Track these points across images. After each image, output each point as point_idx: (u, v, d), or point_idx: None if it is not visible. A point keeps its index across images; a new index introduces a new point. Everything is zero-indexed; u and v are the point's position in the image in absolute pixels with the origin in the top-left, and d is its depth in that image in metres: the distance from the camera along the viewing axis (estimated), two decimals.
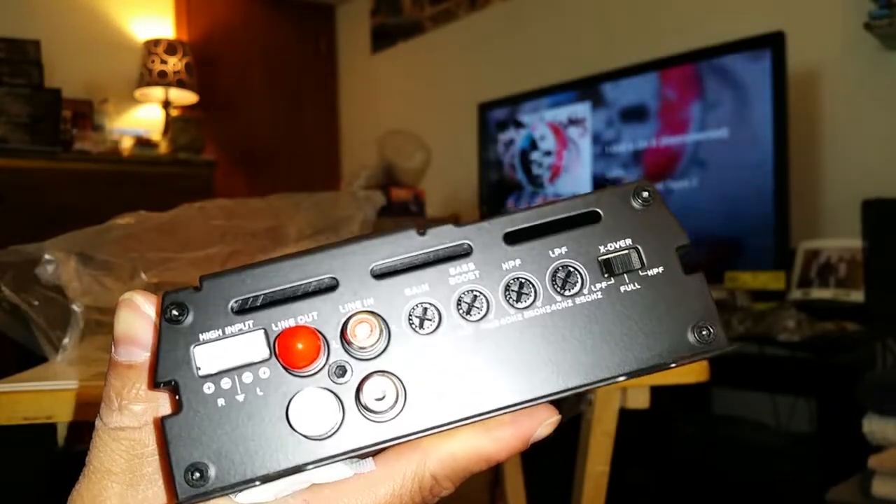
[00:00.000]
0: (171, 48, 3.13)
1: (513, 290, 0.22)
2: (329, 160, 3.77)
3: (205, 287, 0.22)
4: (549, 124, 2.30)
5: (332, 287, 0.22)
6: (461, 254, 0.23)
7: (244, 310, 0.22)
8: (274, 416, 0.21)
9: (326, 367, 0.22)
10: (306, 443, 0.21)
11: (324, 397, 0.21)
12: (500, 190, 2.44)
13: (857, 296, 1.62)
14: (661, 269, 0.23)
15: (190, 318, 0.22)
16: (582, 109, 2.20)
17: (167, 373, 0.21)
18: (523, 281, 0.22)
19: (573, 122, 2.22)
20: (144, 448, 0.23)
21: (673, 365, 0.23)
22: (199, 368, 0.21)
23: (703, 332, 0.22)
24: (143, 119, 3.30)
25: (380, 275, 0.22)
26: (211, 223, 0.73)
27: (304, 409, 0.21)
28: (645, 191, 0.23)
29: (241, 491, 0.22)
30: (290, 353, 0.21)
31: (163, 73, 3.09)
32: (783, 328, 1.51)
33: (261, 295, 0.22)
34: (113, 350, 0.24)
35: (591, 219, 0.23)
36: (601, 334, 0.22)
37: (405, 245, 0.23)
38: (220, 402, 0.21)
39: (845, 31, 1.86)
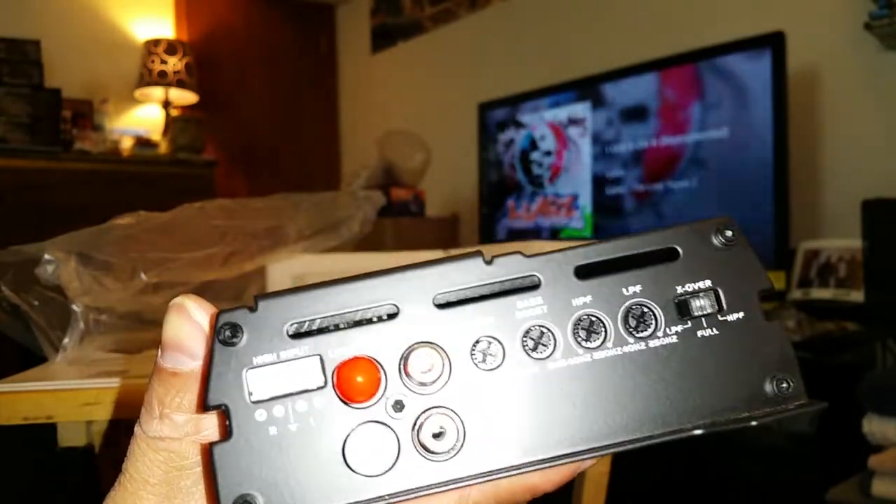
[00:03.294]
0: (171, 48, 3.13)
1: (582, 329, 0.21)
2: (329, 160, 3.77)
3: (260, 308, 0.21)
4: (549, 124, 2.30)
5: (392, 315, 0.21)
6: (529, 286, 0.21)
7: (300, 334, 0.21)
8: (327, 449, 0.20)
9: (384, 399, 0.21)
10: (359, 480, 0.20)
11: (380, 433, 0.20)
12: (500, 190, 2.44)
13: (857, 296, 1.62)
14: (741, 314, 0.22)
15: (244, 340, 0.21)
16: (582, 109, 2.20)
17: (218, 396, 0.20)
18: (594, 319, 0.21)
19: (573, 122, 2.22)
20: (184, 460, 0.22)
21: (753, 423, 0.21)
22: (252, 394, 0.20)
23: (783, 385, 0.22)
24: (143, 119, 3.30)
25: (443, 304, 0.21)
26: (211, 223, 0.73)
27: (360, 446, 0.20)
28: (728, 230, 0.22)
29: None
30: (350, 386, 0.20)
31: (163, 73, 3.09)
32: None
33: (317, 319, 0.21)
34: (159, 355, 0.23)
35: (668, 256, 0.22)
36: (674, 381, 0.21)
37: (471, 274, 0.21)
38: (272, 430, 0.20)
39: (845, 31, 1.86)
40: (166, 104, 3.20)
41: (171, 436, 0.22)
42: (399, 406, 0.21)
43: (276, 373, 0.20)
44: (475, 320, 0.21)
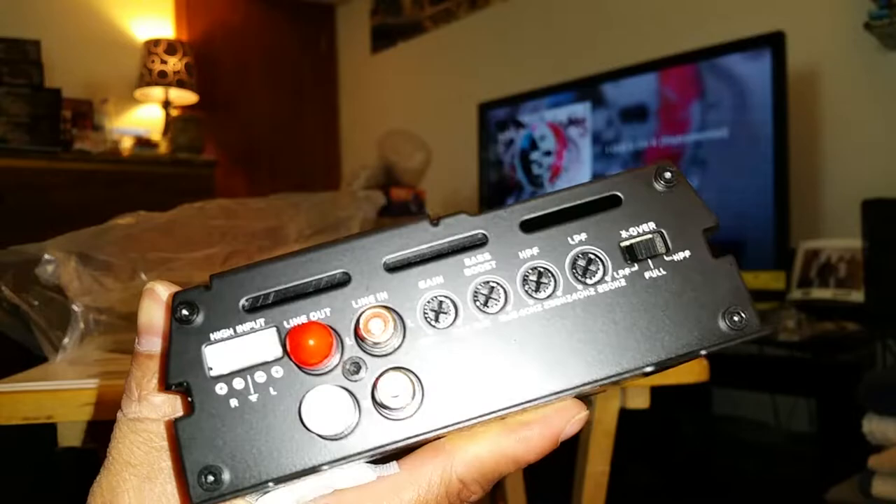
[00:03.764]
0: (171, 48, 3.13)
1: (531, 280, 0.21)
2: (329, 160, 3.77)
3: (215, 286, 0.21)
4: (549, 124, 2.30)
5: (344, 282, 0.21)
6: (476, 244, 0.22)
7: (255, 308, 0.21)
8: (288, 416, 0.21)
9: (340, 364, 0.21)
10: (322, 443, 0.21)
11: (338, 395, 0.21)
12: (500, 190, 2.44)
13: (857, 296, 1.62)
14: (687, 253, 0.22)
15: (200, 318, 0.21)
16: (582, 109, 2.20)
17: (178, 374, 0.21)
18: (542, 270, 0.22)
19: (573, 122, 2.22)
20: (162, 441, 0.23)
21: (703, 353, 0.21)
22: (211, 369, 0.21)
23: (735, 318, 0.21)
24: (143, 119, 3.30)
25: (393, 268, 0.22)
26: (211, 223, 0.73)
27: (319, 408, 0.21)
28: (667, 171, 0.23)
29: (256, 493, 0.21)
30: (302, 350, 0.20)
31: (163, 73, 3.09)
32: (783, 328, 1.51)
33: (272, 292, 0.21)
34: (136, 341, 0.23)
35: (611, 203, 0.22)
36: (626, 323, 0.21)
37: (418, 237, 0.22)
38: (233, 402, 0.21)
39: (845, 31, 1.86)
40: (166, 104, 3.20)
41: (150, 416, 0.23)
42: (356, 368, 0.21)
43: (233, 347, 0.21)
44: (425, 281, 0.21)
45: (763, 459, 1.70)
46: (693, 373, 0.71)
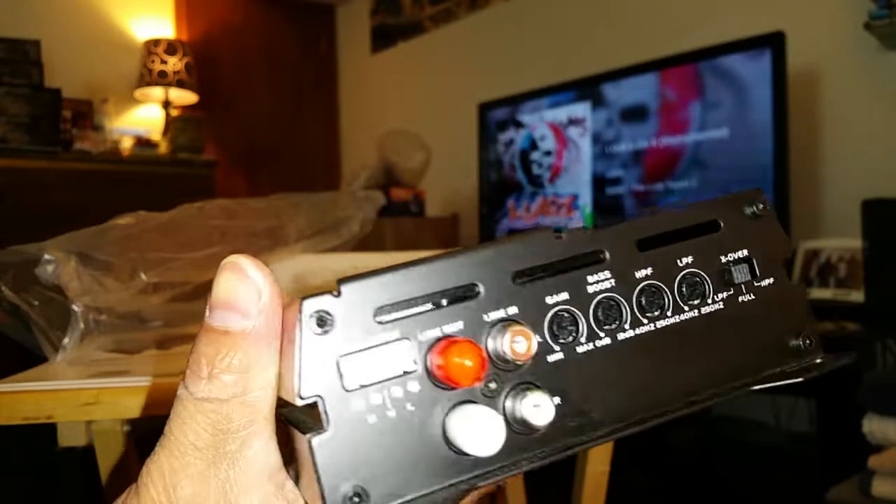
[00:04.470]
0: (171, 48, 3.13)
1: (646, 299, 0.22)
2: (329, 160, 3.77)
3: (344, 293, 0.20)
4: (549, 124, 2.30)
5: (474, 294, 0.21)
6: (597, 260, 0.22)
7: (388, 318, 0.20)
8: (430, 433, 0.20)
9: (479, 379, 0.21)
10: (464, 460, 0.20)
11: (488, 415, 0.20)
12: (500, 190, 2.44)
13: (857, 296, 1.62)
14: (771, 280, 0.24)
15: (333, 327, 0.20)
16: (582, 109, 2.20)
17: (313, 388, 0.20)
18: (655, 290, 0.22)
19: (573, 122, 2.22)
20: (230, 423, 0.21)
21: (799, 379, 0.23)
22: (346, 382, 0.20)
23: (807, 341, 0.24)
24: (143, 119, 3.30)
25: (521, 281, 0.21)
26: (211, 223, 0.73)
27: (462, 425, 0.20)
28: (759, 202, 0.25)
29: None
30: (454, 368, 0.20)
31: (163, 73, 3.09)
32: None
33: (402, 301, 0.20)
34: (207, 314, 0.22)
35: (711, 228, 0.24)
36: (723, 343, 0.23)
37: (544, 250, 0.22)
38: (371, 419, 0.20)
39: (845, 31, 1.86)
40: (166, 104, 3.20)
41: (220, 397, 0.21)
42: (495, 385, 0.21)
43: (367, 359, 0.20)
44: (552, 296, 0.21)
45: (763, 460, 1.70)
46: None
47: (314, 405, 0.20)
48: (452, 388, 0.20)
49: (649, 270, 0.22)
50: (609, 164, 2.13)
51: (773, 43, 1.73)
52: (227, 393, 0.21)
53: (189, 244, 0.70)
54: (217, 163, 3.21)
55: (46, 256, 0.61)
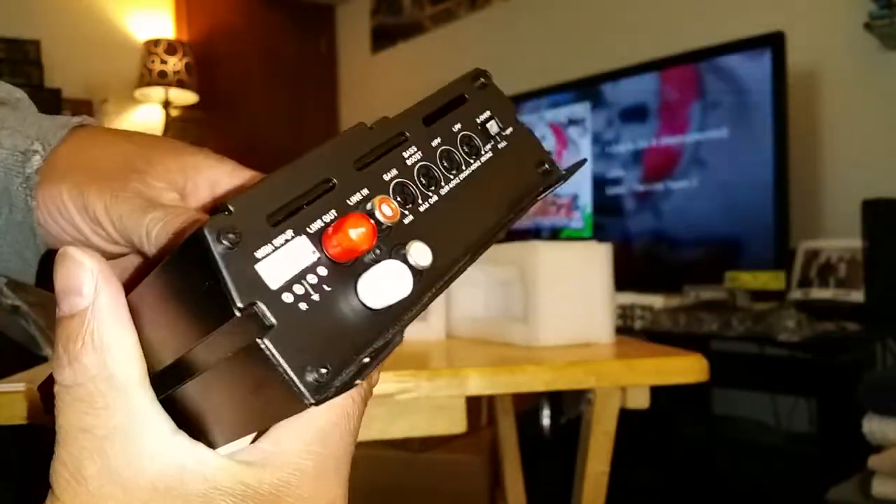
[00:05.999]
0: (171, 48, 3.13)
1: (446, 160, 0.28)
2: None
3: (235, 209, 0.22)
4: (549, 124, 2.30)
5: (332, 187, 0.24)
6: (405, 139, 0.27)
7: (277, 221, 0.23)
8: (351, 303, 0.23)
9: (372, 248, 0.24)
10: (389, 311, 0.23)
11: (383, 268, 0.23)
12: None
13: (857, 296, 1.62)
14: (511, 129, 0.31)
15: (239, 240, 0.22)
16: (582, 109, 2.20)
17: (245, 297, 0.21)
18: (448, 152, 0.28)
19: (573, 122, 2.22)
20: (105, 399, 0.22)
21: (539, 198, 0.30)
22: (271, 283, 0.22)
23: (546, 167, 0.30)
24: (143, 119, 3.30)
25: (360, 167, 0.25)
26: None
27: (374, 285, 0.23)
28: (483, 77, 0.31)
29: (360, 377, 0.23)
30: (348, 241, 0.22)
31: (163, 73, 3.09)
32: (783, 328, 1.51)
33: (283, 207, 0.23)
34: (58, 308, 0.23)
35: (461, 101, 0.30)
36: (499, 185, 0.29)
37: (366, 139, 0.26)
38: (303, 306, 0.22)
39: (845, 31, 1.86)
40: (166, 104, 3.20)
41: (84, 379, 0.23)
42: (380, 249, 0.24)
43: (278, 259, 0.22)
44: (387, 174, 0.26)
45: (763, 459, 1.70)
46: (692, 372, 0.71)
47: (248, 314, 0.21)
48: (352, 263, 0.23)
49: (439, 139, 0.28)
50: (609, 165, 2.13)
51: (773, 43, 1.73)
52: (89, 373, 0.23)
53: None
54: None
55: None
